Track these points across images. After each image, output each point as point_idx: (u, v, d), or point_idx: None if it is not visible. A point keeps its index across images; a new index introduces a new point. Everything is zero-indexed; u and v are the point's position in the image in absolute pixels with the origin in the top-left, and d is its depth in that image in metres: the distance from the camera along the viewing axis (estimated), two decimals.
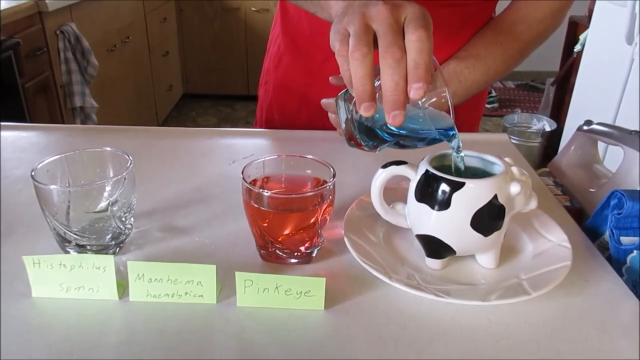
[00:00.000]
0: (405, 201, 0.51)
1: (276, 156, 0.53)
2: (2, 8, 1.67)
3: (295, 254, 0.50)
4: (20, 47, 1.69)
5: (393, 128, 0.47)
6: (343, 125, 0.53)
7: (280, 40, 0.85)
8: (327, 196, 0.49)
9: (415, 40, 0.42)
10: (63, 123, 2.01)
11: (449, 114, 0.48)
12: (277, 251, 0.50)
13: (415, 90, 0.41)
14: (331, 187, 0.49)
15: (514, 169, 0.47)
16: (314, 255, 0.51)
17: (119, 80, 2.48)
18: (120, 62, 2.48)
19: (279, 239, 0.49)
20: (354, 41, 0.43)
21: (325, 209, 0.49)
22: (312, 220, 0.49)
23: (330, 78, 0.66)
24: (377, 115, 0.45)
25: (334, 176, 0.50)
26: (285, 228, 0.48)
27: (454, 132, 0.47)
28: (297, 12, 0.80)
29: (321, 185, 0.51)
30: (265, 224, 0.48)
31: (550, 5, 0.72)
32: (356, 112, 0.48)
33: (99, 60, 2.08)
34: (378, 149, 0.52)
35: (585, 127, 0.73)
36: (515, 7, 0.75)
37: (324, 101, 0.70)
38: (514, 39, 0.74)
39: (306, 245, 0.50)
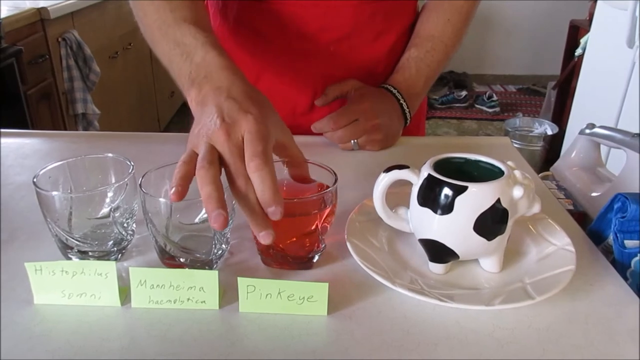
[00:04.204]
0: (407, 205, 0.50)
1: (279, 161, 0.53)
2: (4, 15, 1.67)
3: (296, 259, 0.50)
4: (23, 54, 1.70)
5: None
6: None
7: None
8: (329, 201, 0.49)
9: (253, 172, 0.44)
10: (65, 130, 2.01)
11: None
12: (278, 256, 0.50)
13: (271, 214, 0.43)
14: (333, 191, 0.49)
15: (517, 173, 0.47)
16: (314, 260, 0.51)
17: (121, 87, 2.48)
18: (122, 69, 2.49)
19: (280, 244, 0.49)
20: (198, 163, 0.45)
21: (327, 214, 0.49)
22: (313, 226, 0.48)
23: (312, 127, 0.74)
24: None
25: (335, 181, 0.49)
26: (286, 233, 0.48)
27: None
28: (220, 36, 0.80)
29: (323, 190, 0.51)
30: None
31: None
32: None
33: (101, 67, 2.09)
34: None
35: (587, 131, 0.72)
36: None
37: (316, 125, 0.75)
38: (458, 12, 0.81)
39: (307, 250, 0.50)
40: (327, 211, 0.49)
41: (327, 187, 0.51)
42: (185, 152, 0.48)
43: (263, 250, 0.50)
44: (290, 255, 0.49)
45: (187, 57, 0.55)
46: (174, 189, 0.43)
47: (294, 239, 0.49)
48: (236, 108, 0.47)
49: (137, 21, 0.67)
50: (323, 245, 0.51)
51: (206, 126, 0.47)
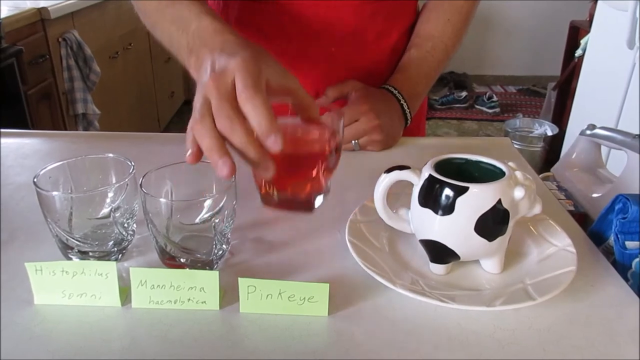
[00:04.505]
0: (408, 206, 0.50)
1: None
2: (5, 15, 1.67)
3: (298, 201, 0.47)
4: (23, 54, 1.70)
5: None
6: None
7: None
8: (333, 137, 0.46)
9: (245, 102, 0.43)
10: (65, 130, 2.01)
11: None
12: (278, 197, 0.47)
13: (271, 145, 0.42)
14: (337, 128, 0.46)
15: (518, 174, 0.47)
16: (316, 204, 0.48)
17: (121, 87, 2.48)
18: (123, 69, 2.49)
19: (282, 182, 0.46)
20: (191, 120, 0.44)
21: (331, 150, 0.46)
22: (315, 168, 0.46)
23: None
24: None
25: (341, 117, 0.47)
26: (290, 169, 0.46)
27: None
28: None
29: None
30: None
31: None
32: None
33: (101, 67, 2.09)
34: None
35: (588, 132, 0.72)
36: None
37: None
38: (458, 12, 0.81)
39: (309, 192, 0.47)
40: (331, 146, 0.46)
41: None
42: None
43: (263, 190, 0.48)
44: (291, 196, 0.47)
45: (184, 30, 0.55)
46: (188, 152, 0.43)
47: (298, 180, 0.46)
48: (225, 56, 0.46)
49: (137, 13, 0.68)
50: (328, 188, 0.48)
51: (201, 84, 0.46)
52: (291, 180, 0.46)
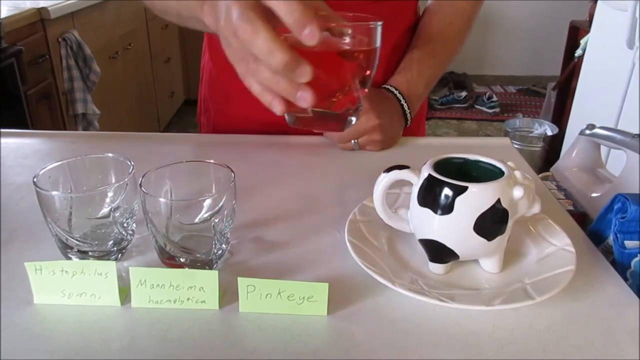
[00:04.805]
0: (408, 206, 0.50)
1: None
2: (4, 15, 1.67)
3: (332, 115, 0.44)
4: (23, 54, 1.70)
5: None
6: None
7: (211, 67, 0.87)
8: (370, 41, 0.43)
9: None
10: (65, 130, 2.01)
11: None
12: (311, 109, 0.43)
13: (307, 36, 0.38)
14: (375, 32, 0.43)
15: (517, 173, 0.47)
16: (350, 121, 0.45)
17: (121, 87, 2.48)
18: (122, 69, 2.49)
19: (316, 91, 0.41)
20: (240, 56, 0.42)
21: (366, 59, 0.43)
22: (353, 72, 0.43)
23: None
24: None
25: (377, 26, 0.43)
26: (325, 75, 0.42)
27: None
28: None
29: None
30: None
31: None
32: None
33: (101, 67, 2.09)
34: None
35: (587, 131, 0.72)
36: None
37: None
38: (460, 15, 0.81)
39: (343, 102, 0.44)
40: (367, 52, 0.42)
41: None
42: (235, 66, 0.45)
43: (291, 107, 0.43)
44: (326, 109, 0.43)
45: None
46: (273, 103, 0.41)
47: (332, 89, 0.43)
48: None
49: None
50: (361, 103, 0.45)
51: (223, 14, 0.43)
52: (325, 89, 0.42)
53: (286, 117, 0.46)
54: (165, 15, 0.63)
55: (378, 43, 0.44)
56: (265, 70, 0.41)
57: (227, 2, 0.42)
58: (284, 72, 0.40)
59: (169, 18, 0.63)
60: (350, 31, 0.44)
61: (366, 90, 0.46)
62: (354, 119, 0.46)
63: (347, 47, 0.43)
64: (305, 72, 0.40)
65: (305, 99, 0.41)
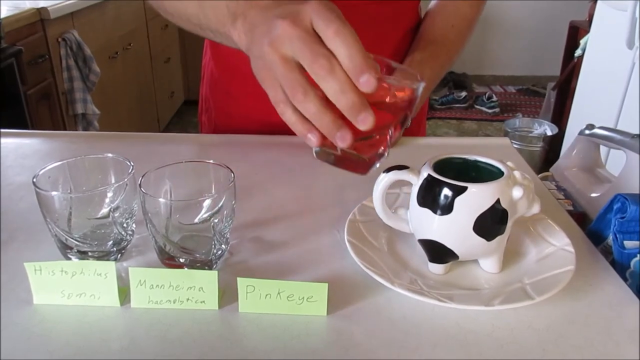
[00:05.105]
0: (407, 206, 0.50)
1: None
2: (4, 15, 1.67)
3: (360, 158, 0.44)
4: (23, 54, 1.70)
5: None
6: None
7: (212, 67, 0.86)
8: (414, 96, 0.43)
9: (334, 37, 0.39)
10: (65, 130, 2.01)
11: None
12: (340, 150, 0.43)
13: (364, 84, 0.38)
14: (418, 90, 0.43)
15: (517, 173, 0.47)
16: (375, 167, 0.45)
17: (121, 87, 2.48)
18: (122, 69, 2.49)
19: (354, 134, 0.41)
20: (288, 88, 0.40)
21: (408, 112, 0.43)
22: (393, 123, 0.43)
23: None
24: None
25: (420, 82, 0.44)
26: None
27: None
28: None
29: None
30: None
31: None
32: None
33: (101, 67, 2.09)
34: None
35: (587, 131, 0.72)
36: None
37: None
38: (462, 18, 0.80)
39: (372, 149, 0.44)
40: (411, 105, 0.43)
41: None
42: (269, 90, 0.43)
43: (323, 142, 0.43)
44: (356, 152, 0.44)
45: None
46: (309, 135, 0.40)
47: (369, 133, 0.42)
48: (291, 5, 0.41)
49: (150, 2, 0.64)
50: (388, 152, 0.45)
51: (265, 32, 0.41)
52: (362, 133, 0.42)
53: (314, 148, 0.46)
54: (180, 20, 0.60)
55: (419, 95, 0.45)
56: (313, 104, 0.40)
57: (284, 28, 0.40)
58: (348, 113, 0.39)
59: (184, 24, 0.60)
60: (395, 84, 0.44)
61: (396, 139, 0.45)
62: (378, 164, 0.47)
63: (393, 101, 0.43)
64: (369, 121, 0.39)
65: (344, 139, 0.40)
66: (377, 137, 0.44)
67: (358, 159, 0.45)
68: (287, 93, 0.41)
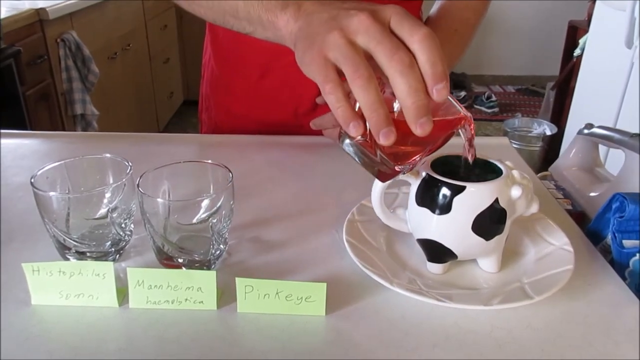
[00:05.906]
0: (406, 206, 0.50)
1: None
2: (3, 16, 1.67)
3: (387, 165, 0.43)
4: (21, 55, 1.69)
5: None
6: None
7: (212, 65, 0.86)
8: (458, 124, 0.44)
9: (421, 40, 0.38)
10: (64, 131, 2.01)
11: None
12: (380, 153, 0.43)
13: (438, 92, 0.38)
14: (465, 131, 0.44)
15: (515, 173, 0.47)
16: (396, 179, 0.45)
17: (120, 88, 2.48)
18: (121, 70, 2.48)
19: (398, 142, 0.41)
20: (350, 67, 0.39)
21: (448, 137, 0.44)
22: (433, 142, 0.43)
23: (311, 123, 0.67)
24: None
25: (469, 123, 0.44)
26: (408, 133, 0.41)
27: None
28: (226, 34, 0.80)
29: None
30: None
31: None
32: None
33: (100, 68, 2.09)
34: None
35: (585, 131, 0.72)
36: None
37: (316, 121, 0.72)
38: (465, 24, 0.80)
39: (403, 162, 0.43)
40: (453, 132, 0.43)
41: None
42: (319, 70, 0.41)
43: (363, 140, 0.43)
44: (387, 157, 0.43)
45: None
46: (353, 123, 0.39)
47: (408, 146, 0.42)
48: (365, 4, 0.41)
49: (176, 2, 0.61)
50: (414, 167, 0.45)
51: (334, 20, 0.40)
52: (403, 144, 0.42)
53: (345, 140, 0.45)
54: (209, 10, 0.56)
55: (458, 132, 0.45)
56: (374, 92, 0.39)
57: (362, 20, 0.39)
58: (412, 112, 0.38)
59: (211, 13, 0.56)
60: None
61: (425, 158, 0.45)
62: (400, 177, 0.46)
63: (444, 124, 0.43)
64: (428, 127, 0.38)
65: (388, 137, 0.39)
66: (412, 150, 0.43)
67: (386, 165, 0.44)
68: (348, 73, 0.39)
